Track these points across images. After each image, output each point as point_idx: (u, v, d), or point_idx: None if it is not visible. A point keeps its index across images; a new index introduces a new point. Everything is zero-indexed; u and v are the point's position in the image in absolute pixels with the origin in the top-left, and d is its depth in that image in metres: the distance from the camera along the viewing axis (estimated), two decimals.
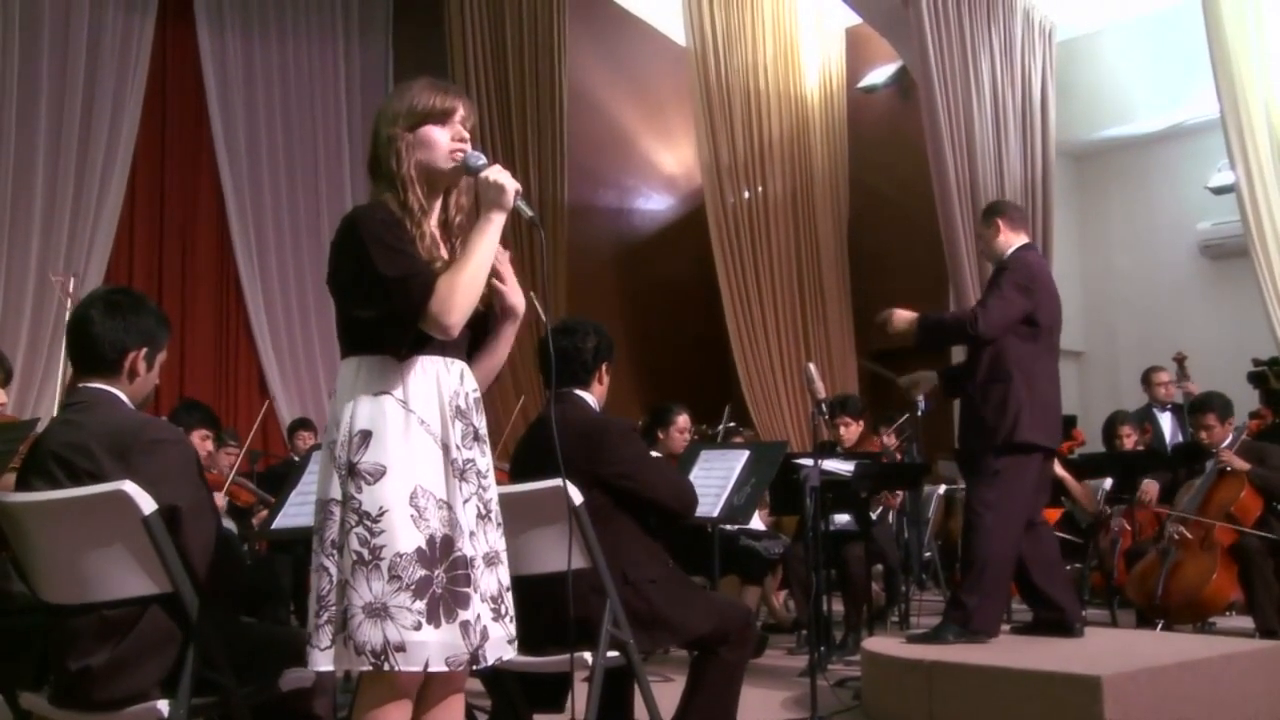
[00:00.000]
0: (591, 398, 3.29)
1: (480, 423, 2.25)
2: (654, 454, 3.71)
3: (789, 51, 10.41)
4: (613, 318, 9.60)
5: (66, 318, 2.98)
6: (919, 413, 5.42)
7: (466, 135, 2.26)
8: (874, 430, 6.89)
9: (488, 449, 2.27)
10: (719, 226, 9.72)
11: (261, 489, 5.55)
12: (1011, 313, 4.15)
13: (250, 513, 5.38)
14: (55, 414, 2.65)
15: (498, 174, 2.20)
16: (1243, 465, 5.29)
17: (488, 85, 9.57)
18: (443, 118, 2.23)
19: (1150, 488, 5.86)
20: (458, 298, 2.11)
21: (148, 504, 2.28)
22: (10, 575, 3.07)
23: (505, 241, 2.25)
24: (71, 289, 5.06)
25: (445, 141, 2.23)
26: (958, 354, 4.93)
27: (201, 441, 5.03)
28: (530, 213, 2.24)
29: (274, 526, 3.76)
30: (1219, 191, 9.12)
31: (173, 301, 8.67)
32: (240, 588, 2.59)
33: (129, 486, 2.27)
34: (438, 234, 2.25)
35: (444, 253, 2.22)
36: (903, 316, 4.28)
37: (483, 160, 2.22)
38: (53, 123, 8.16)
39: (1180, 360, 7.44)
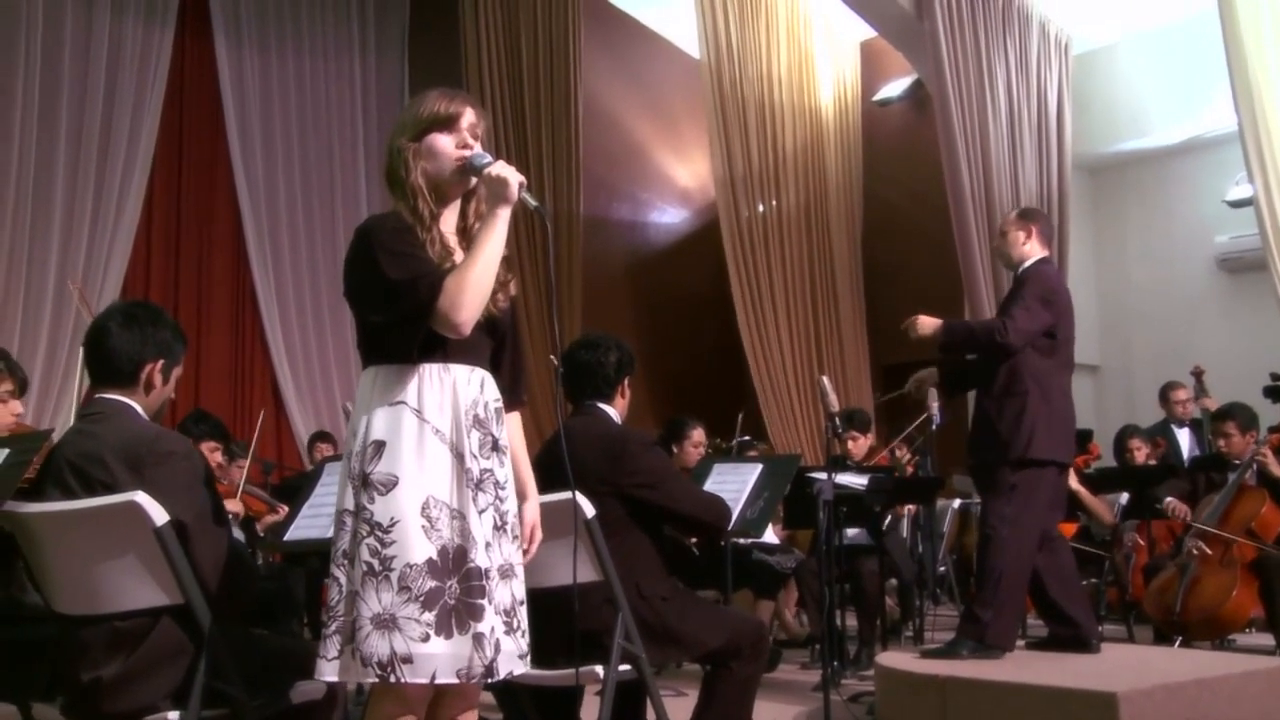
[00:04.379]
0: (614, 411, 3.32)
1: (501, 433, 2.23)
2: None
3: (803, 64, 10.39)
4: (627, 331, 9.58)
5: (85, 323, 2.99)
6: (933, 426, 5.36)
7: (472, 141, 2.25)
8: (884, 444, 6.85)
9: (508, 460, 2.26)
10: (733, 239, 9.69)
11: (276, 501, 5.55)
12: (1036, 325, 4.13)
13: (256, 520, 5.37)
14: (72, 424, 2.65)
15: (501, 168, 2.20)
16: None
17: (503, 99, 9.59)
18: (448, 124, 2.24)
19: (1179, 506, 5.76)
20: (467, 295, 2.10)
21: (160, 515, 2.29)
22: (25, 585, 3.07)
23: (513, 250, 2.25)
24: (84, 293, 5.07)
25: (450, 149, 2.24)
26: None
27: (210, 454, 5.00)
28: (535, 203, 2.23)
29: (286, 538, 3.75)
30: (1237, 205, 9.05)
31: (188, 312, 8.69)
32: (251, 601, 2.58)
33: (141, 497, 2.28)
34: (452, 241, 2.25)
35: (457, 258, 2.21)
36: (927, 323, 4.24)
37: (488, 159, 2.23)
38: (72, 133, 8.20)
39: (1199, 374, 7.37)
